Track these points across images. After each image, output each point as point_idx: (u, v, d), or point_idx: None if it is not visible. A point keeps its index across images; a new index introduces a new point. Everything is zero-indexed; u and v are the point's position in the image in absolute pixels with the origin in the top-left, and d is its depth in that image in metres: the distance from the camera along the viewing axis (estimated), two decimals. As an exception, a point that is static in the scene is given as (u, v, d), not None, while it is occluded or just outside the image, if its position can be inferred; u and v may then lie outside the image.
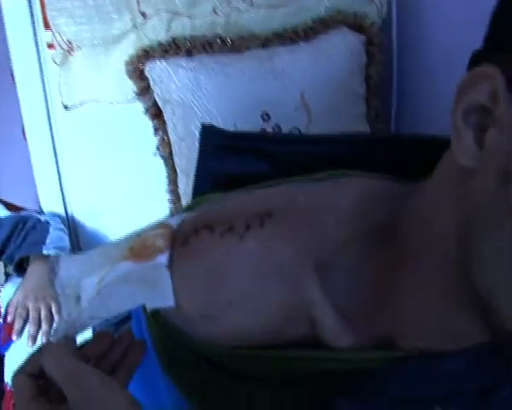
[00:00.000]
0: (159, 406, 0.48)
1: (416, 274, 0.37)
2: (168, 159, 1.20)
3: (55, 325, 1.00)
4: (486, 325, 0.33)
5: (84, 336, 0.42)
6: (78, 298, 0.43)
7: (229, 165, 0.51)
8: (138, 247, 0.45)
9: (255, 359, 0.40)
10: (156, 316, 0.44)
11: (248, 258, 0.41)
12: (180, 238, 0.45)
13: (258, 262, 0.41)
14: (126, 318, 0.78)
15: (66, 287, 0.44)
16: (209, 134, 0.52)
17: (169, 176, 1.21)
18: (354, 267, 0.41)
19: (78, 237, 1.29)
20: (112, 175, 1.25)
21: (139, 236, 0.47)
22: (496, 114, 0.30)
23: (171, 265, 0.43)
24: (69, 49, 1.11)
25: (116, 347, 0.42)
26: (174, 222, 0.48)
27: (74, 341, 0.40)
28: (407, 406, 0.36)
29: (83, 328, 0.42)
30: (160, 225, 0.48)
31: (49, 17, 1.07)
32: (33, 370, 0.38)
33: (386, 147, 0.47)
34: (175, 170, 1.20)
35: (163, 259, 0.43)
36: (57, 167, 1.22)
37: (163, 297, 0.42)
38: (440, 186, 0.35)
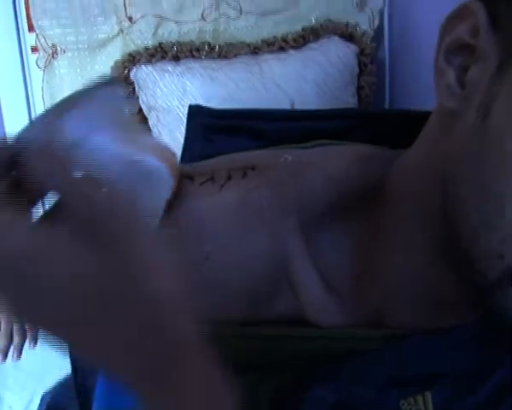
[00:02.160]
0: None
1: (401, 234, 0.35)
2: (152, 168, 1.15)
3: None
4: (466, 287, 0.33)
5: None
6: None
7: (218, 145, 0.49)
8: None
9: (226, 338, 0.35)
10: None
11: (228, 207, 0.39)
12: None
13: (239, 211, 0.38)
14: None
15: None
16: (197, 115, 0.51)
17: (153, 186, 1.17)
18: (342, 234, 0.38)
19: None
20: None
21: None
22: (477, 49, 0.30)
23: None
24: (53, 53, 1.09)
25: None
26: None
27: None
28: (398, 390, 0.33)
29: None
30: None
31: (32, 17, 1.05)
32: None
33: (377, 122, 0.46)
34: (159, 180, 1.16)
35: None
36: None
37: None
38: (425, 140, 0.35)
